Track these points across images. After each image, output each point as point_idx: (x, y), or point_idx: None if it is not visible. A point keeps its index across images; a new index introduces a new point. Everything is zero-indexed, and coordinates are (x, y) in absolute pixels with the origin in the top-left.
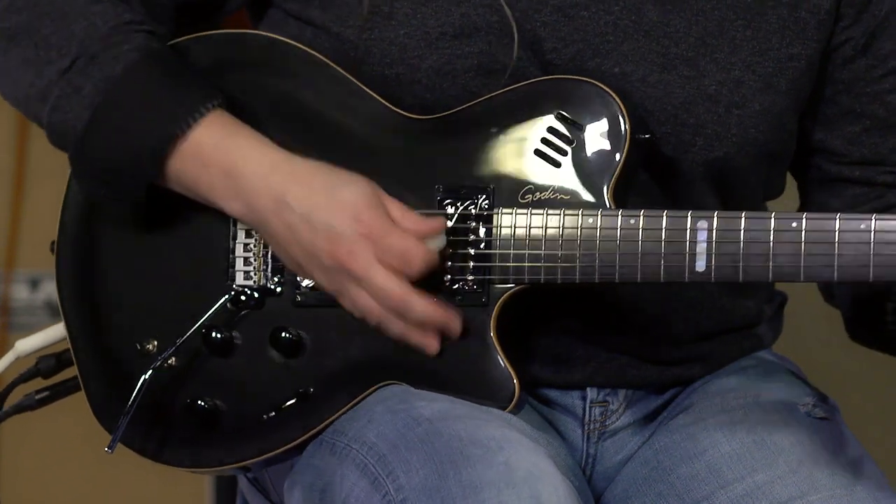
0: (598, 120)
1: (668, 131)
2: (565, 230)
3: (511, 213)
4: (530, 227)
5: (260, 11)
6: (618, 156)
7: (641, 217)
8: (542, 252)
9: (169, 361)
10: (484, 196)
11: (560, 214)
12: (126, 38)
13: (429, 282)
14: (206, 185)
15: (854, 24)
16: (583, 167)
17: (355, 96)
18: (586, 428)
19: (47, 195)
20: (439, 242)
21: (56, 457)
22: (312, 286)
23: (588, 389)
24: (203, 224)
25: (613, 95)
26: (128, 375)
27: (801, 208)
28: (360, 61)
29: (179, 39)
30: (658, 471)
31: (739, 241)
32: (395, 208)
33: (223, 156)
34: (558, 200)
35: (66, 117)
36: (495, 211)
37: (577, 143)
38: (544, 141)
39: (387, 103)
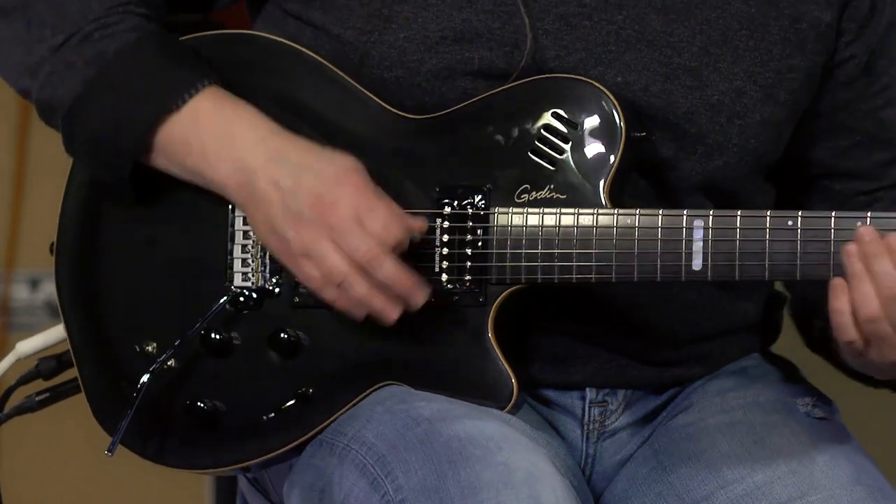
0: (594, 119)
1: (670, 140)
2: (562, 229)
3: (508, 213)
4: (527, 227)
5: (258, 8)
6: (613, 155)
7: (638, 216)
8: (539, 251)
9: (168, 363)
10: (480, 195)
11: (556, 213)
12: (121, 18)
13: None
14: (197, 149)
15: (856, 41)
16: (579, 166)
17: (352, 96)
18: (586, 428)
19: (47, 195)
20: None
21: (56, 458)
22: None
23: (587, 389)
24: (202, 226)
25: (609, 94)
26: (127, 377)
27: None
28: (359, 64)
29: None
30: (657, 471)
31: (735, 240)
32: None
33: (221, 120)
34: (555, 199)
35: (57, 92)
36: (492, 210)
37: (573, 141)
38: (541, 140)
39: (383, 103)
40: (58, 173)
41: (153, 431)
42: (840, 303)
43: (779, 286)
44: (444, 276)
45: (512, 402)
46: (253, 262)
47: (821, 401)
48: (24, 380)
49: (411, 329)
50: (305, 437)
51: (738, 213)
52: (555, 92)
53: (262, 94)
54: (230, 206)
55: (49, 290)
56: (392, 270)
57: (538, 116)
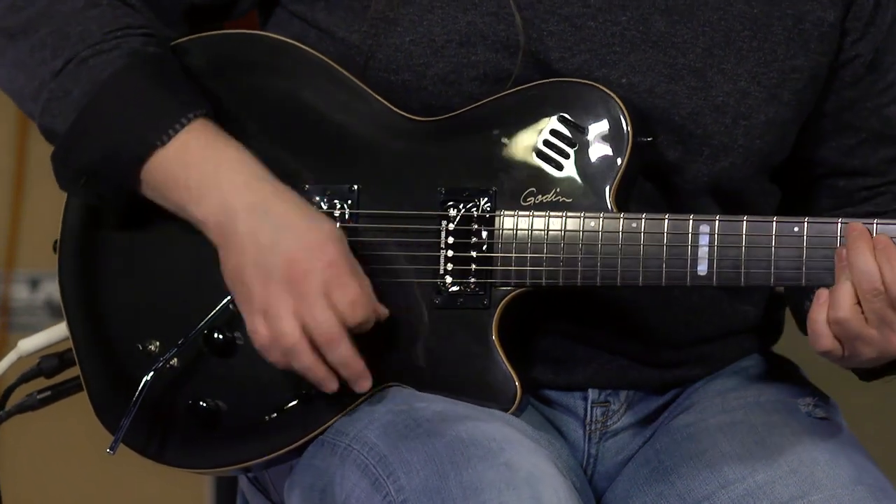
0: (601, 123)
1: (675, 141)
2: (567, 233)
3: (513, 216)
4: (532, 230)
5: (268, 12)
6: (620, 159)
7: (643, 220)
8: (544, 255)
9: (171, 362)
10: (486, 198)
11: (562, 217)
12: (119, 42)
13: (430, 285)
14: (182, 185)
15: (861, 39)
16: (585, 170)
17: (358, 98)
18: (588, 428)
19: (47, 195)
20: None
21: (57, 457)
22: None
23: (589, 390)
24: None
25: (616, 98)
26: (130, 376)
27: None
28: (365, 66)
29: (181, 40)
30: (659, 471)
31: (741, 246)
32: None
33: (207, 159)
34: (560, 203)
35: (55, 120)
36: (497, 213)
37: (579, 145)
38: (547, 143)
39: (390, 105)
40: None
41: (155, 430)
42: (815, 311)
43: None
44: (449, 279)
45: (515, 404)
46: None
47: (822, 401)
48: (26, 378)
49: (415, 331)
50: (307, 437)
51: (745, 218)
52: (562, 96)
53: (267, 95)
54: None
55: (49, 290)
56: (346, 354)
57: (545, 120)
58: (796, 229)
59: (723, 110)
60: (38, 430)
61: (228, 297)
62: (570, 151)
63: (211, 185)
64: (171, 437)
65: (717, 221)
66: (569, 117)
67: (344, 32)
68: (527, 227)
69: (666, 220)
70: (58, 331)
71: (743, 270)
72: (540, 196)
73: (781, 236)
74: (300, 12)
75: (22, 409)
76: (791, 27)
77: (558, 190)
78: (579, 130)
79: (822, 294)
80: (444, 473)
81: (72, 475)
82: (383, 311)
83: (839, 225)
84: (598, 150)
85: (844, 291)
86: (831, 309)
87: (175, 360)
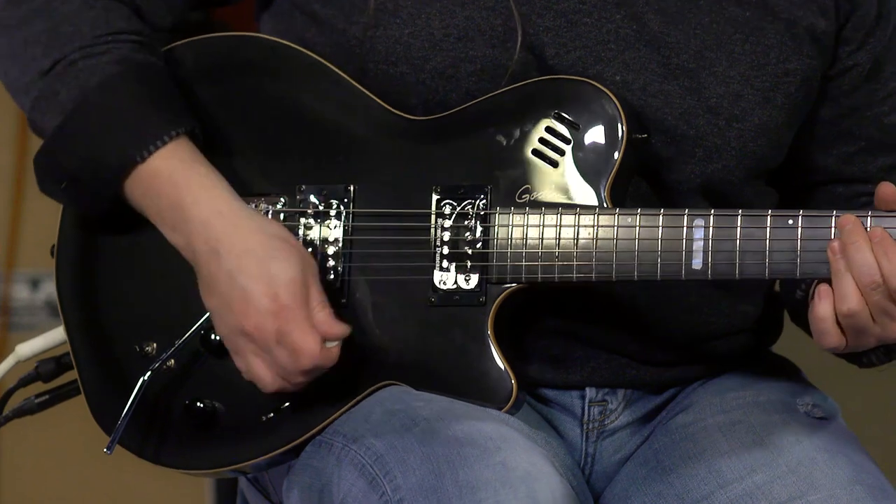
0: (596, 120)
1: (668, 141)
2: (562, 229)
3: (508, 213)
4: (528, 227)
5: (268, 2)
6: (615, 155)
7: (638, 216)
8: (540, 251)
9: (168, 363)
10: (482, 195)
11: (557, 214)
12: (109, 48)
13: (426, 282)
14: (155, 212)
15: (860, 49)
16: (580, 167)
17: (353, 97)
18: (585, 427)
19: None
20: (336, 344)
21: (56, 460)
22: None
23: (587, 389)
24: None
25: (611, 95)
26: (127, 377)
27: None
28: (364, 58)
29: (177, 43)
30: (657, 470)
31: (736, 239)
32: (316, 297)
33: (174, 189)
34: (556, 200)
35: (43, 118)
36: (493, 210)
37: (574, 142)
38: (542, 141)
39: (384, 104)
40: None
41: (152, 431)
42: (822, 309)
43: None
44: (445, 276)
45: (511, 402)
46: None
47: (820, 400)
48: (24, 382)
49: (411, 329)
50: (305, 437)
51: (739, 212)
52: (557, 93)
53: (262, 96)
54: None
55: (49, 289)
56: (323, 370)
57: (540, 117)
58: (791, 222)
59: (716, 112)
60: (37, 434)
61: None
62: (566, 148)
63: (178, 219)
64: (168, 438)
65: (711, 215)
66: (564, 114)
67: (344, 24)
68: (522, 225)
69: (661, 215)
70: (55, 335)
71: (737, 263)
72: (535, 193)
73: (776, 229)
74: (300, 3)
75: (20, 413)
76: (784, 31)
77: (554, 187)
78: (575, 127)
79: (824, 290)
80: (441, 472)
81: (71, 478)
82: (330, 362)
83: (833, 218)
84: (594, 146)
85: (849, 284)
86: (839, 303)
87: (172, 361)
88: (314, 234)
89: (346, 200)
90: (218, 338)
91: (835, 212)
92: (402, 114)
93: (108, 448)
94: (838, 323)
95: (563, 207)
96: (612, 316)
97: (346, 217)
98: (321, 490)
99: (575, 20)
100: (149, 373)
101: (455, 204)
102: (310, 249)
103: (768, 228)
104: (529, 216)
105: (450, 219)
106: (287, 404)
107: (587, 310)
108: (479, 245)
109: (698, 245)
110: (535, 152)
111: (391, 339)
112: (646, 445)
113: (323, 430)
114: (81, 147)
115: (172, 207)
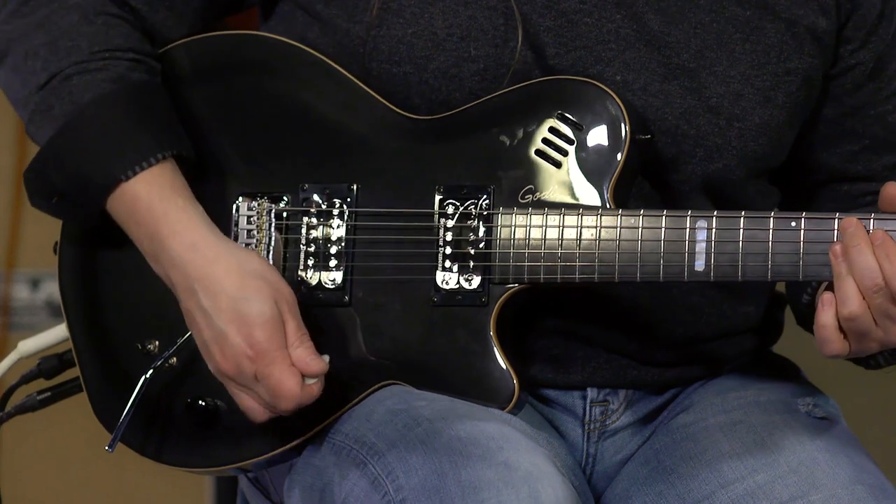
0: (599, 120)
1: (669, 141)
2: (565, 230)
3: (511, 213)
4: (530, 227)
5: (272, 4)
6: (618, 156)
7: (641, 217)
8: (542, 252)
9: (170, 361)
10: (484, 196)
11: (560, 214)
12: (105, 64)
13: (429, 282)
14: (136, 239)
15: (862, 48)
16: (583, 167)
17: (356, 97)
18: (586, 427)
19: None
20: (317, 380)
21: (57, 457)
22: (314, 285)
23: (588, 389)
24: None
25: (614, 96)
26: (129, 375)
27: (780, 208)
28: (367, 58)
29: (179, 42)
30: (658, 470)
31: (739, 241)
32: (293, 333)
33: (152, 219)
34: (558, 200)
35: (38, 131)
36: (496, 211)
37: (577, 143)
38: (545, 141)
39: (388, 103)
40: None
41: (153, 429)
42: (825, 317)
43: (779, 285)
44: (447, 276)
45: (513, 402)
46: None
47: (821, 400)
48: (26, 379)
49: (413, 328)
50: (307, 436)
51: (742, 213)
52: (560, 93)
53: (266, 94)
54: (233, 206)
55: (50, 289)
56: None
57: (543, 118)
58: (793, 224)
59: (717, 111)
60: (38, 432)
61: None
62: (569, 149)
63: (157, 250)
64: (169, 436)
65: (714, 217)
66: (568, 115)
67: (347, 24)
68: (525, 225)
69: (664, 216)
70: (58, 332)
71: (740, 265)
72: (538, 193)
73: (779, 231)
74: (303, 3)
75: (22, 409)
76: (784, 30)
77: (557, 187)
78: (578, 128)
79: (827, 298)
80: (443, 472)
81: (72, 476)
82: (319, 369)
83: (836, 220)
84: (597, 147)
85: (850, 287)
86: (841, 306)
87: (174, 359)
88: (317, 233)
89: (349, 200)
90: None
91: (838, 214)
92: (405, 113)
93: (110, 446)
94: (841, 329)
95: (565, 208)
96: (614, 316)
97: (349, 216)
98: (322, 489)
99: (575, 20)
100: (151, 371)
101: (458, 204)
102: (312, 248)
103: (771, 230)
104: (532, 216)
105: (452, 219)
106: None
107: (589, 310)
108: (481, 245)
109: (701, 246)
110: (539, 152)
111: (393, 339)
112: (647, 445)
113: (325, 429)
114: (70, 163)
115: (150, 238)
